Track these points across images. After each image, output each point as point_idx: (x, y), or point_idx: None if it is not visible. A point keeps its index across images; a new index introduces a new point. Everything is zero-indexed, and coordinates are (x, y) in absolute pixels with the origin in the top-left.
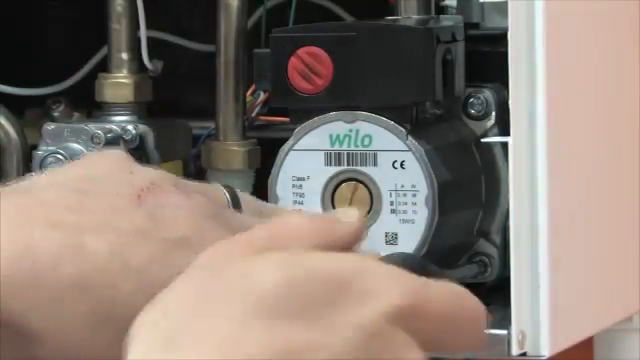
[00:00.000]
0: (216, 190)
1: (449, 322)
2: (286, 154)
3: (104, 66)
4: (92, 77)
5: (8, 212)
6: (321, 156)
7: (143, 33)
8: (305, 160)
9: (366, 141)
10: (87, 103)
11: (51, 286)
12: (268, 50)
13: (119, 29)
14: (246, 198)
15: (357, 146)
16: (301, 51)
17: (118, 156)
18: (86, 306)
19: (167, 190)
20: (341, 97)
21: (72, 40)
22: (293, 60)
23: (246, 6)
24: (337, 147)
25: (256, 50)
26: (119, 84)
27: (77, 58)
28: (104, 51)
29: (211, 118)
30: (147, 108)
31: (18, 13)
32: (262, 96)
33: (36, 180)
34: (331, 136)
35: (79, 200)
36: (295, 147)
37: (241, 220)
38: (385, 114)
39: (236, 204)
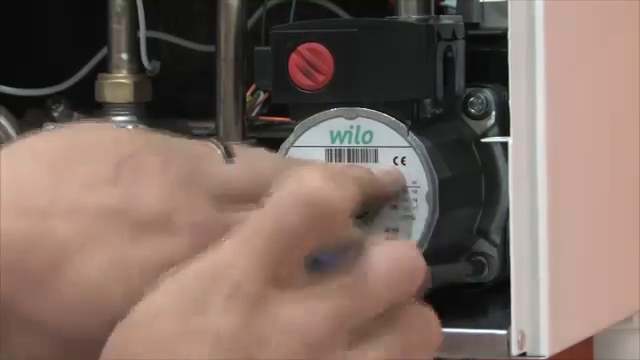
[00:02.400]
0: (207, 147)
1: None
2: (287, 151)
3: (104, 66)
4: (92, 77)
5: None
6: (322, 152)
7: (142, 33)
8: (306, 156)
9: (367, 137)
10: (87, 103)
11: (30, 271)
12: (268, 48)
13: (119, 29)
14: (245, 151)
15: (358, 142)
16: (302, 47)
17: (109, 127)
18: (64, 289)
19: (146, 163)
20: (342, 93)
21: (72, 40)
22: (294, 56)
23: (246, 6)
24: (338, 143)
25: (257, 48)
26: (119, 84)
27: (77, 58)
28: (104, 51)
29: (211, 118)
30: (147, 108)
31: (18, 13)
32: (262, 96)
33: (12, 151)
34: (332, 132)
35: (53, 178)
36: (296, 144)
37: (224, 177)
38: (386, 110)
39: (229, 156)
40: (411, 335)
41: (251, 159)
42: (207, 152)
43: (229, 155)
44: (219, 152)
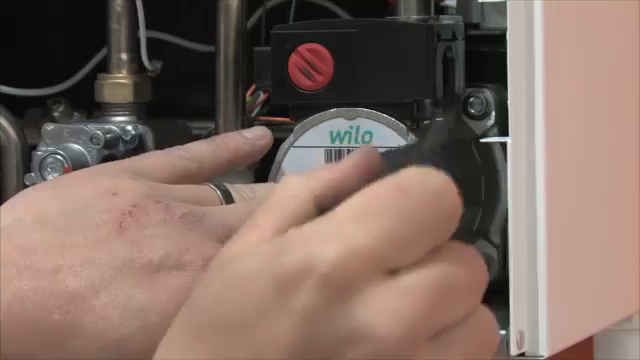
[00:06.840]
0: (206, 190)
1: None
2: (286, 151)
3: (104, 66)
4: (92, 77)
5: None
6: (321, 153)
7: (142, 33)
8: (305, 157)
9: (366, 138)
10: (87, 103)
11: (45, 332)
12: (268, 48)
13: (119, 29)
14: (240, 188)
15: (357, 143)
16: (302, 48)
17: (100, 175)
18: (81, 345)
19: (150, 210)
20: (342, 94)
21: (72, 40)
22: (294, 57)
23: (246, 6)
24: (337, 144)
25: (256, 48)
26: (118, 84)
27: (77, 58)
28: (104, 51)
29: (211, 118)
30: (147, 108)
31: (18, 13)
32: (262, 96)
33: (19, 218)
34: (331, 133)
35: (59, 240)
36: (295, 144)
37: (226, 217)
38: (386, 111)
39: (228, 198)
40: (479, 339)
41: (247, 201)
42: (206, 195)
43: (226, 196)
44: (217, 194)
